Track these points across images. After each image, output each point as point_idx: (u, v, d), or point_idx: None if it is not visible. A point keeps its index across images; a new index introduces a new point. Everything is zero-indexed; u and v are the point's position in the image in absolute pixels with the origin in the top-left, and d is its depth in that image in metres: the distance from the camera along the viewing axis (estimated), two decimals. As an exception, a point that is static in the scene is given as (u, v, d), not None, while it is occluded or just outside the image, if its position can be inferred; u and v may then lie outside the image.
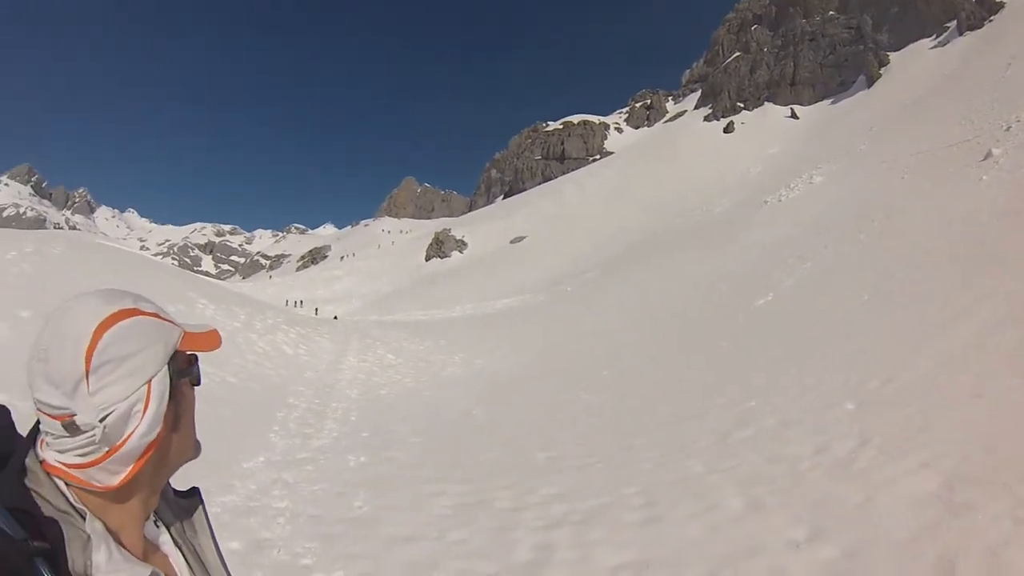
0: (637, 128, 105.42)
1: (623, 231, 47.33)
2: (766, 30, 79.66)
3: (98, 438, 0.79)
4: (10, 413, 0.98)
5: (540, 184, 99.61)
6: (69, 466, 0.80)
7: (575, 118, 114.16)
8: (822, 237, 16.82)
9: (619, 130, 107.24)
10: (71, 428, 0.78)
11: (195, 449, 0.96)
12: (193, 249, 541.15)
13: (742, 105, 73.98)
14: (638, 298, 19.70)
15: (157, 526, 0.96)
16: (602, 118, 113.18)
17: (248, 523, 4.26)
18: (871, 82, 55.95)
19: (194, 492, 1.07)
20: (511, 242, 64.98)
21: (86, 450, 0.80)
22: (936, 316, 7.35)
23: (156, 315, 0.88)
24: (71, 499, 0.81)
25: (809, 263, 14.77)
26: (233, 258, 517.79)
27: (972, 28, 47.48)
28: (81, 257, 11.21)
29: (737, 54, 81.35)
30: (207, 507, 1.08)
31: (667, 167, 65.58)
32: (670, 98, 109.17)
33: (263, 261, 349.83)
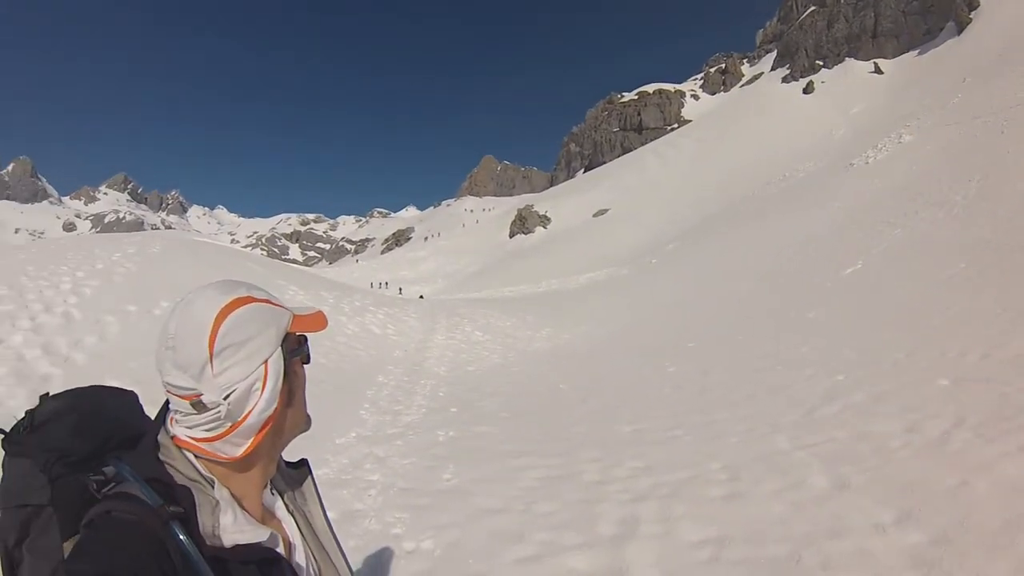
0: (714, 94, 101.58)
1: (704, 201, 45.64)
2: (842, -21, 73.38)
3: (223, 414, 0.88)
4: (138, 398, 1.11)
5: (620, 156, 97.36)
6: (198, 440, 0.90)
7: (650, 87, 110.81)
8: (914, 201, 15.74)
9: (695, 97, 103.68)
10: (199, 407, 0.88)
11: (307, 422, 1.04)
12: (280, 239, 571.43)
13: (821, 63, 69.06)
14: (722, 269, 19.11)
15: (272, 494, 1.06)
16: (677, 86, 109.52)
17: (341, 494, 4.46)
18: (961, 28, 50.27)
19: (303, 463, 1.16)
20: (594, 215, 63.83)
21: (212, 425, 0.89)
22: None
23: (268, 301, 0.96)
24: (200, 469, 0.91)
25: (899, 229, 14.00)
26: (319, 245, 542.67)
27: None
28: (178, 254, 11.80)
29: (812, 8, 75.45)
30: (315, 478, 1.17)
31: (746, 133, 62.43)
32: (745, 60, 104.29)
33: (348, 246, 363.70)
